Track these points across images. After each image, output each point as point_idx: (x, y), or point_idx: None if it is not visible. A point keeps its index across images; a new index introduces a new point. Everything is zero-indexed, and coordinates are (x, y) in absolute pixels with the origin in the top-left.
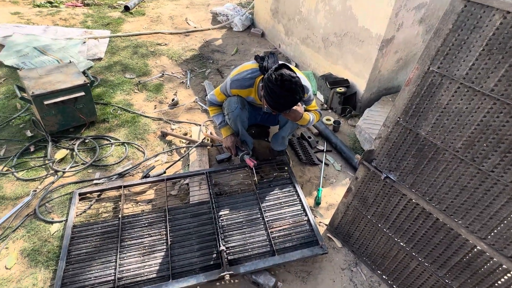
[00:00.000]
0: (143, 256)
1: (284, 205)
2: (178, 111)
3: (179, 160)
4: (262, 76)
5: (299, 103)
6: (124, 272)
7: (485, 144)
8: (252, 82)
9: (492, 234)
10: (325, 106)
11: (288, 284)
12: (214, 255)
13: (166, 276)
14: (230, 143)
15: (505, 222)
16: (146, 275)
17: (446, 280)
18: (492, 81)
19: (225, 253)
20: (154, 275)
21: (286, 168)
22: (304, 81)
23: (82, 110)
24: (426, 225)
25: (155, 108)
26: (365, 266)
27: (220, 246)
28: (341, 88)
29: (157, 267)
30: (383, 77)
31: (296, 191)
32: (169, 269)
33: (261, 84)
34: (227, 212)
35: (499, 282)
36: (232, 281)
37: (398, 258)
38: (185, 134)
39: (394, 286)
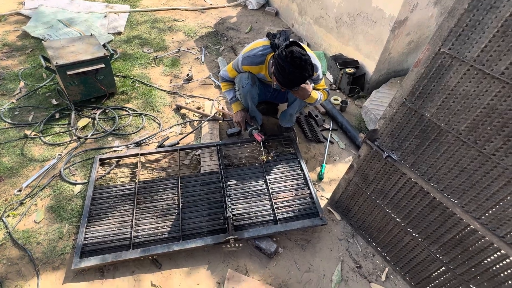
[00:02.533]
0: (156, 218)
1: (288, 178)
2: (192, 86)
3: (191, 132)
4: (273, 53)
5: (307, 81)
6: (139, 231)
7: (489, 128)
8: (263, 59)
9: (487, 214)
10: (334, 86)
11: (289, 250)
12: (221, 220)
13: (176, 237)
14: (240, 118)
15: (501, 204)
16: (159, 235)
17: (438, 255)
18: (504, 64)
19: (231, 219)
20: (166, 236)
21: (292, 144)
22: (314, 59)
23: (102, 81)
24: (423, 203)
25: (170, 82)
26: (361, 238)
27: (227, 212)
28: (350, 69)
29: (169, 229)
30: (393, 60)
31: (301, 166)
32: (179, 231)
33: (271, 61)
34: (235, 182)
35: (489, 259)
36: (236, 244)
37: (393, 232)
38: (198, 108)
39: (388, 258)
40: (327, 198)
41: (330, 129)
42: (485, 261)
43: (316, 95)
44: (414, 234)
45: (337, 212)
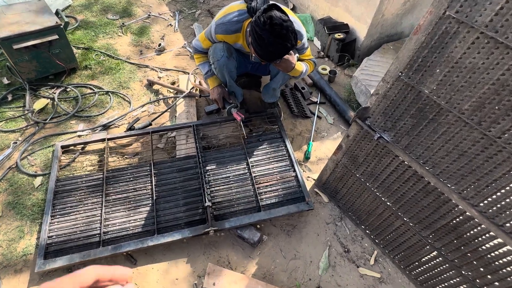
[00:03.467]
0: (128, 210)
1: (272, 160)
2: (166, 57)
3: (165, 111)
4: (251, 19)
5: (291, 52)
6: (110, 226)
7: (496, 107)
8: (239, 26)
9: (486, 202)
10: (322, 54)
11: (273, 237)
12: (200, 210)
13: (151, 231)
14: (216, 95)
15: (502, 191)
16: (132, 229)
17: (429, 241)
18: None
19: (210, 209)
20: (140, 230)
21: (276, 121)
22: (298, 25)
23: (59, 55)
24: (416, 188)
25: (140, 54)
26: (349, 221)
27: (205, 201)
28: (339, 34)
29: (143, 222)
30: (386, 22)
31: (285, 146)
32: (154, 224)
33: (248, 29)
34: (214, 167)
35: (484, 247)
36: (218, 234)
37: (383, 216)
38: (173, 83)
39: (377, 241)
40: (314, 179)
41: (318, 102)
42: (480, 249)
43: (301, 67)
44: (405, 219)
45: (325, 194)
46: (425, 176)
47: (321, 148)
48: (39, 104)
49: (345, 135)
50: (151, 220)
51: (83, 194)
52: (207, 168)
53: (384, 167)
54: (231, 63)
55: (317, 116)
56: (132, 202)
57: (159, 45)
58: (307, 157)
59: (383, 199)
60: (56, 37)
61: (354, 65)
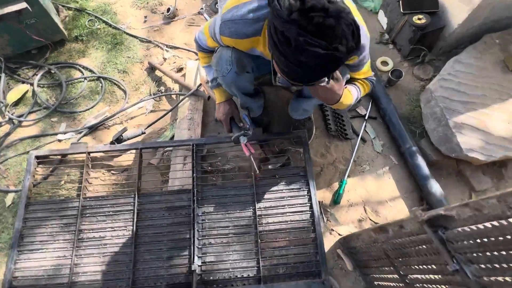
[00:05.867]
0: (103, 256)
1: (287, 209)
2: (176, 27)
3: (166, 114)
4: None
5: (336, 72)
6: (80, 275)
7: None
8: (258, 27)
9: None
10: (386, 37)
11: None
12: (186, 269)
13: None
14: (222, 115)
15: None
16: (104, 284)
17: None
18: None
19: (197, 275)
20: (112, 287)
21: (301, 152)
22: (360, 27)
23: (36, 27)
24: None
25: (145, 20)
26: None
27: (194, 260)
28: (420, 17)
29: (117, 276)
30: (503, 3)
31: (309, 191)
32: (130, 279)
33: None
34: (212, 209)
35: None
36: None
37: None
38: (180, 69)
39: None
40: (339, 235)
41: (366, 117)
42: None
43: (350, 99)
44: None
45: (350, 259)
46: None
47: (357, 188)
48: (15, 94)
49: (397, 224)
50: (127, 274)
51: (55, 226)
52: (203, 209)
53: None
54: (242, 79)
55: (361, 139)
56: (108, 246)
57: (168, 10)
58: (336, 201)
59: None
60: (24, 5)
61: (432, 62)
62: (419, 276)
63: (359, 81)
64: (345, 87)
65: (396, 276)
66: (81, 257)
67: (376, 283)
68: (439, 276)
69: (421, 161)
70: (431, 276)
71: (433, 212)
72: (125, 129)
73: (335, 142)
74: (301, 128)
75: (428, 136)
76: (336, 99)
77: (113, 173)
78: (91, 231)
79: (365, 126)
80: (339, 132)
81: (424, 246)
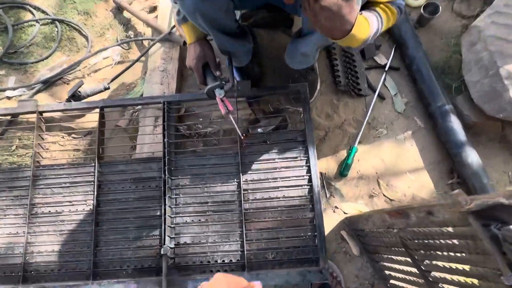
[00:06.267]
0: (60, 234)
1: (280, 183)
2: None
3: (129, 67)
4: None
5: None
6: (35, 255)
7: None
8: None
9: None
10: None
11: None
12: (156, 251)
13: (86, 274)
14: (192, 60)
15: None
16: (62, 266)
17: None
18: None
19: (168, 258)
20: (72, 268)
21: (302, 106)
22: None
23: None
24: None
25: None
26: None
27: (164, 241)
28: None
29: (76, 257)
30: None
31: (308, 160)
32: (91, 261)
33: None
34: (187, 182)
35: None
36: None
37: None
38: (153, 9)
39: None
40: (345, 213)
41: (387, 67)
42: None
43: (366, 29)
44: None
45: (355, 242)
46: None
47: (370, 156)
48: None
49: (424, 209)
50: (88, 256)
51: (4, 198)
52: (177, 182)
53: None
54: (212, 6)
55: (378, 95)
56: (66, 223)
57: None
58: (342, 173)
59: None
60: None
61: None
62: (447, 276)
63: (381, 5)
64: (360, 13)
65: (414, 270)
66: (35, 234)
67: (387, 272)
68: (480, 281)
69: (455, 123)
70: (467, 280)
71: (486, 200)
72: (81, 83)
73: (344, 99)
74: (301, 81)
75: (467, 92)
76: (346, 29)
77: (74, 137)
78: (45, 205)
79: (385, 79)
80: (351, 86)
81: (463, 242)
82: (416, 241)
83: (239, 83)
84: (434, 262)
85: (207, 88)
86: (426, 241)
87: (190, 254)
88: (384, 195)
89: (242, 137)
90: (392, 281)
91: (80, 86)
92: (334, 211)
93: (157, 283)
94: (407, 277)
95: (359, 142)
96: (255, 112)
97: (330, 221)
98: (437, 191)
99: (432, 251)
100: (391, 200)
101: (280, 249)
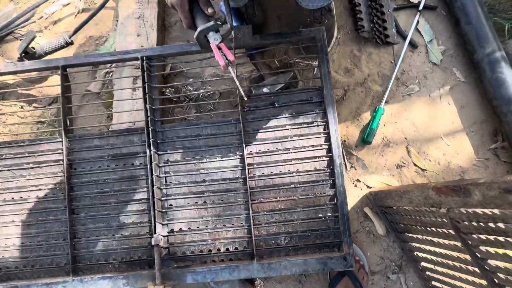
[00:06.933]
0: (28, 225)
1: (293, 154)
2: None
3: (94, 14)
4: None
5: None
6: (2, 250)
7: None
8: None
9: None
10: None
11: None
12: (147, 240)
13: (64, 269)
14: None
15: None
16: (34, 262)
17: None
18: None
19: (160, 248)
20: (48, 263)
21: (318, 59)
22: None
23: None
24: None
25: None
26: (415, 277)
27: (155, 229)
28: None
29: (51, 251)
30: None
31: (327, 125)
32: (68, 255)
33: None
34: (178, 157)
35: None
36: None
37: None
38: None
39: None
40: (368, 187)
41: (421, 7)
42: None
43: None
44: None
45: (380, 220)
46: None
47: (399, 119)
48: None
49: (499, 186)
50: (65, 249)
51: None
52: (165, 157)
53: None
54: None
55: (410, 43)
56: (33, 212)
57: None
58: (365, 140)
59: None
60: None
61: None
62: (509, 266)
63: None
64: None
65: (465, 256)
66: (2, 225)
67: (419, 254)
68: None
69: (508, 74)
70: None
71: None
72: (32, 34)
73: (368, 49)
74: (315, 26)
75: None
76: None
77: (36, 107)
78: (6, 191)
79: (418, 22)
80: (376, 32)
81: None
82: (475, 224)
83: (236, 28)
84: (495, 250)
85: (197, 31)
86: (492, 225)
87: (187, 243)
88: (414, 164)
89: (245, 99)
90: (423, 264)
91: (32, 40)
92: (355, 185)
93: (149, 277)
94: (450, 262)
95: (386, 102)
96: (258, 68)
97: (351, 197)
98: (477, 157)
99: (495, 236)
100: (422, 170)
101: (295, 233)
